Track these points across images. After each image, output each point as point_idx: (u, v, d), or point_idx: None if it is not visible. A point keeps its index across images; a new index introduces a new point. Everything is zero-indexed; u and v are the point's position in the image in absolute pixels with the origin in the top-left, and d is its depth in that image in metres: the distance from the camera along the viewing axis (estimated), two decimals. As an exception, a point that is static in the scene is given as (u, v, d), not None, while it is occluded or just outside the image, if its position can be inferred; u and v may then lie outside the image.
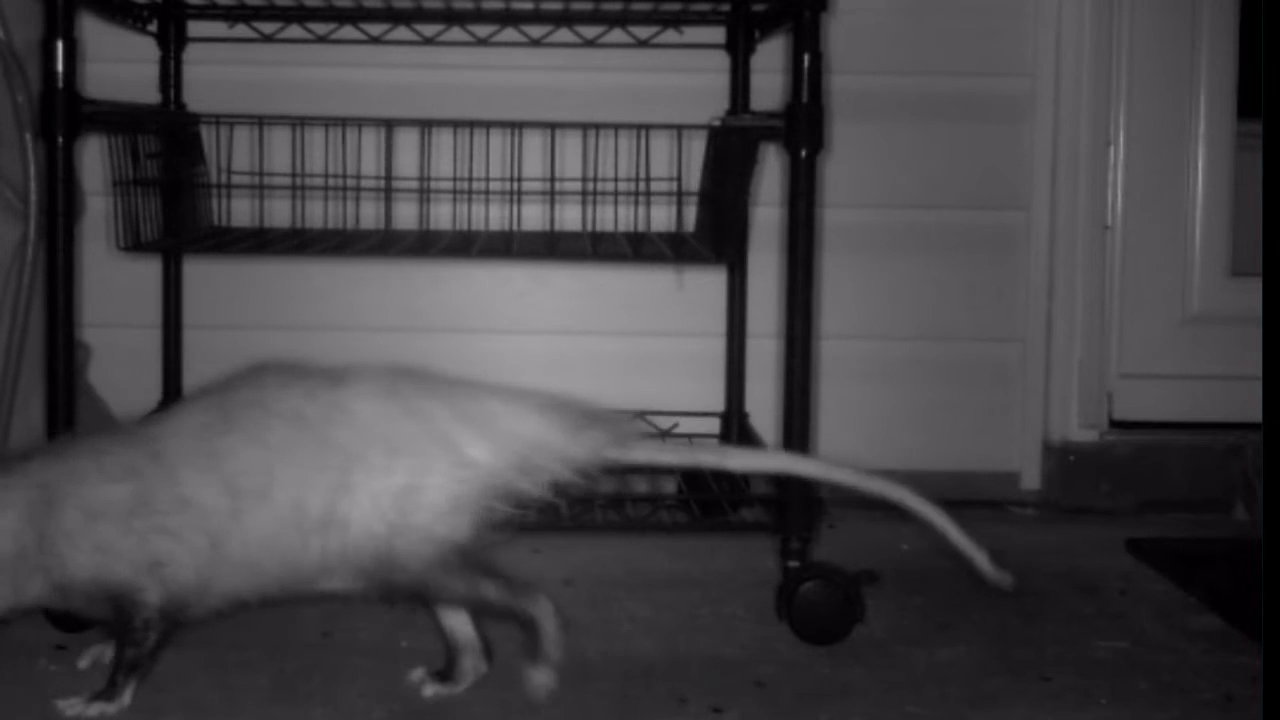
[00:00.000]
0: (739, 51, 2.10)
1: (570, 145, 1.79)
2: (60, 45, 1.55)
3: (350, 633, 1.59)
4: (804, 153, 1.59)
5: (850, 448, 2.26)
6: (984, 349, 2.27)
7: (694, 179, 1.93)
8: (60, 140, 1.56)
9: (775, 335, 2.10)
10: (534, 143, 1.78)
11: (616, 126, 1.77)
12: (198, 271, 2.19)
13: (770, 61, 2.08)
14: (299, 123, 1.75)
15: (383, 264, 2.23)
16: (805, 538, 1.61)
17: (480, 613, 1.37)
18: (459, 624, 1.43)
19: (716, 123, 1.88)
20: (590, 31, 2.08)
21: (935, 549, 2.00)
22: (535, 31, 2.10)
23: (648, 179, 1.76)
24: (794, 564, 1.61)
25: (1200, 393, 2.26)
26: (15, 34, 1.73)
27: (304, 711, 1.37)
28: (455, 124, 1.77)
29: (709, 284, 2.20)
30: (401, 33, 2.08)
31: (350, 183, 1.78)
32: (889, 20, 2.22)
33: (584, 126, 1.77)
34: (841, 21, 2.18)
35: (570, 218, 1.84)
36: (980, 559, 1.42)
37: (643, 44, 2.09)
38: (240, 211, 1.90)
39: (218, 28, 2.08)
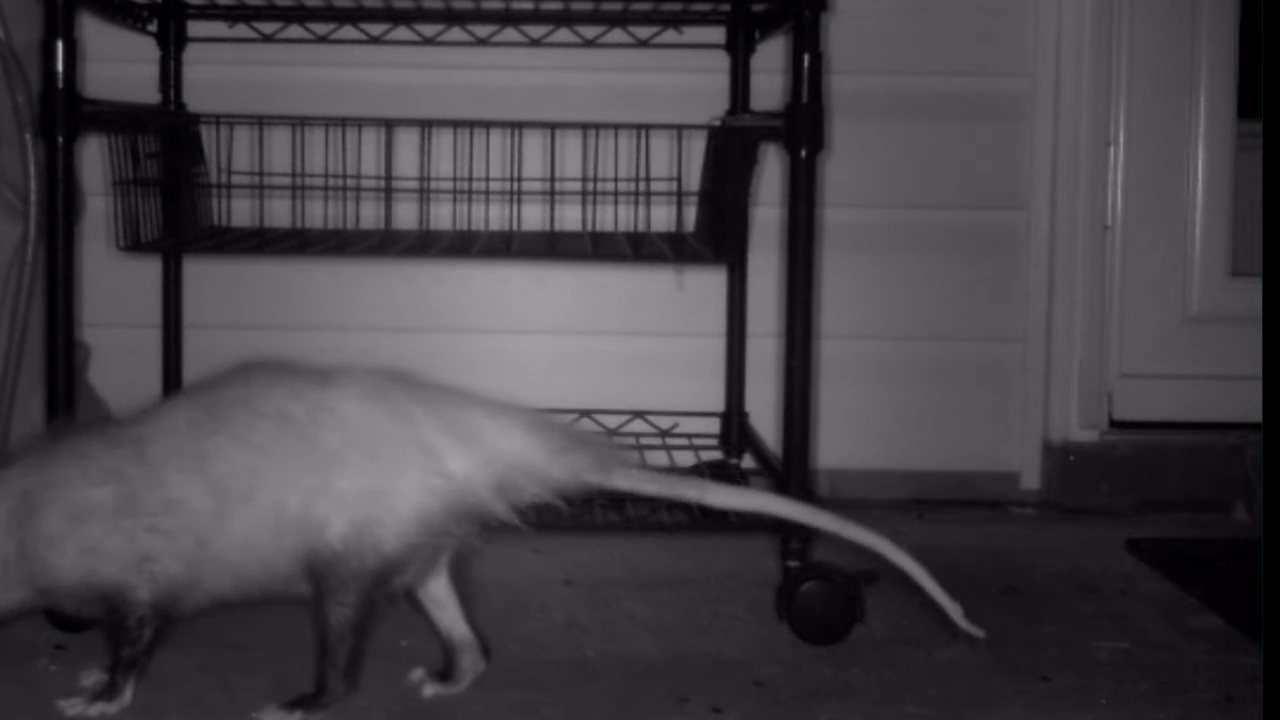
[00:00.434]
0: (739, 51, 2.10)
1: (570, 145, 1.79)
2: (60, 45, 1.55)
3: (350, 633, 1.59)
4: (804, 153, 1.59)
5: (850, 448, 2.26)
6: (984, 349, 2.27)
7: (694, 179, 1.93)
8: (60, 140, 1.56)
9: (775, 335, 2.10)
10: (534, 143, 1.78)
11: (616, 126, 1.77)
12: (198, 271, 2.19)
13: (770, 61, 2.08)
14: (299, 123, 1.75)
15: (383, 264, 2.23)
16: (805, 538, 1.61)
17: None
18: (454, 623, 1.42)
19: (716, 123, 1.88)
20: (590, 31, 2.08)
21: (935, 549, 2.01)
22: (535, 31, 2.10)
23: (648, 179, 1.76)
24: (794, 564, 1.61)
25: (1200, 393, 2.26)
26: (15, 34, 1.73)
27: (304, 711, 1.37)
28: (455, 124, 1.77)
29: (709, 284, 2.20)
30: (401, 33, 2.08)
31: (350, 183, 1.78)
32: (889, 20, 2.22)
33: (584, 126, 1.77)
34: (841, 21, 2.18)
35: (570, 218, 1.84)
36: (954, 611, 1.38)
37: (643, 44, 2.09)
38: (240, 211, 1.90)
39: (218, 28, 2.08)
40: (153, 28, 2.05)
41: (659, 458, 2.04)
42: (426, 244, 1.79)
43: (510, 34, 2.09)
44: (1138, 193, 2.25)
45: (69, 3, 1.55)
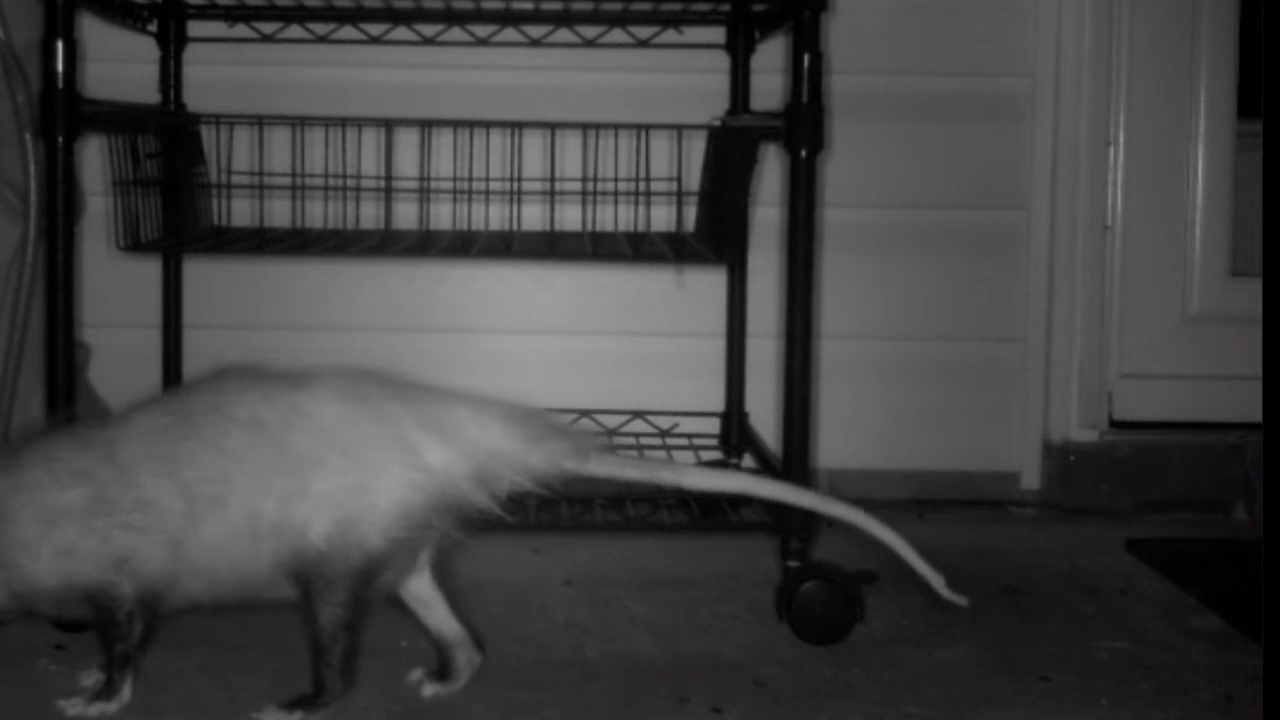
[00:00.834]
0: (739, 51, 2.10)
1: (570, 145, 1.79)
2: (60, 45, 1.55)
3: (350, 633, 1.59)
4: (804, 153, 1.59)
5: (850, 448, 2.26)
6: (984, 349, 2.27)
7: (694, 179, 1.93)
8: (60, 140, 1.56)
9: (775, 335, 2.10)
10: (534, 143, 1.78)
11: (616, 126, 1.77)
12: (198, 271, 2.19)
13: (770, 61, 2.08)
14: (299, 123, 1.75)
15: (383, 264, 2.23)
16: (805, 538, 1.61)
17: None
18: (443, 620, 1.42)
19: (716, 123, 1.88)
20: (590, 31, 2.08)
21: (935, 549, 2.01)
22: (535, 31, 2.10)
23: (648, 179, 1.76)
24: (794, 564, 1.61)
25: (1200, 393, 2.26)
26: (15, 34, 1.73)
27: (304, 711, 1.37)
28: (455, 124, 1.77)
29: (709, 284, 2.20)
30: (401, 33, 2.08)
31: (350, 183, 1.78)
32: (889, 20, 2.22)
33: (584, 126, 1.77)
34: (841, 21, 2.18)
35: (570, 218, 1.84)
36: (935, 580, 1.40)
37: (643, 44, 2.09)
38: (240, 211, 1.90)
39: (218, 28, 2.08)
40: (153, 28, 2.05)
41: (659, 458, 2.04)
42: (426, 244, 1.79)
43: (510, 34, 2.09)
44: (1138, 193, 2.25)
45: (69, 3, 1.55)
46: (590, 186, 1.78)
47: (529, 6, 2.02)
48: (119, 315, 2.19)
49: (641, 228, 1.80)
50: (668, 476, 1.40)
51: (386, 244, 1.77)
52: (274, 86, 2.16)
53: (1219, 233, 2.26)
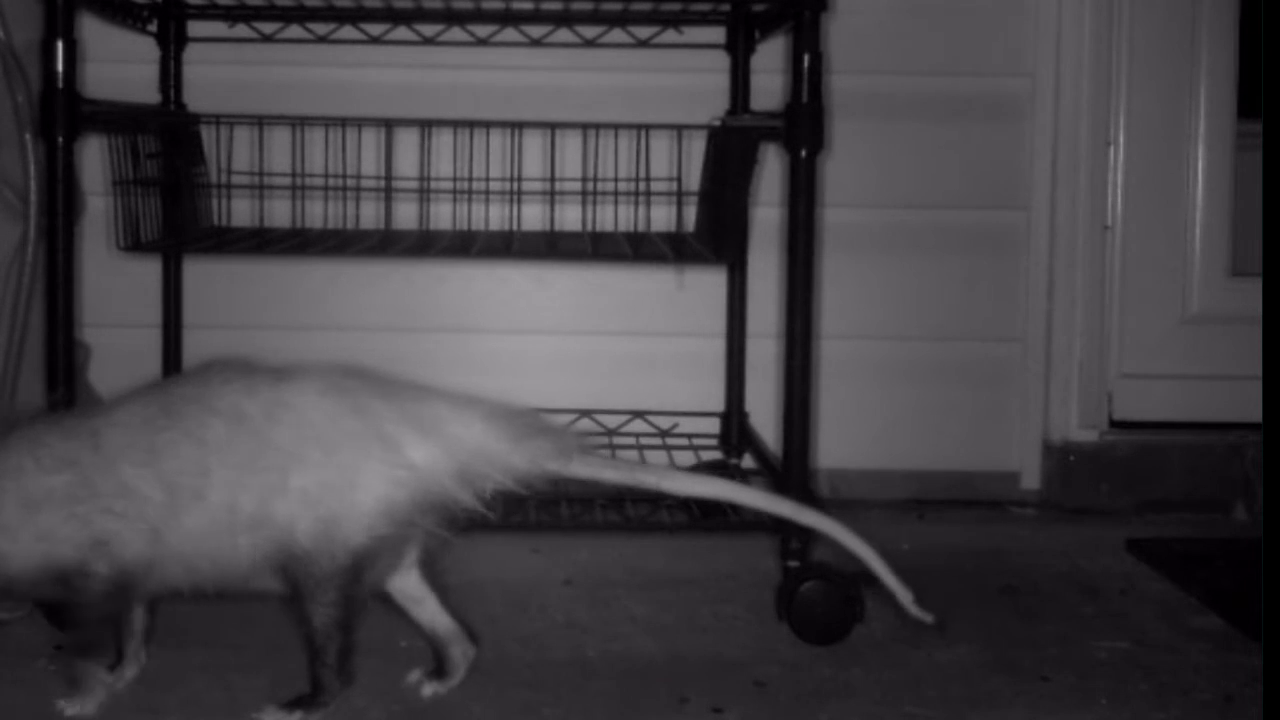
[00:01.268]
0: (739, 51, 2.10)
1: (570, 145, 1.79)
2: (60, 45, 1.55)
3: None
4: (804, 153, 1.59)
5: (850, 448, 2.26)
6: (984, 349, 2.27)
7: (694, 179, 1.93)
8: (60, 140, 1.56)
9: (775, 335, 2.10)
10: (534, 143, 1.78)
11: (616, 126, 1.77)
12: (198, 271, 2.19)
13: (770, 61, 2.08)
14: (299, 123, 1.75)
15: (383, 264, 2.23)
16: (805, 538, 1.61)
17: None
18: (435, 616, 1.42)
19: (716, 123, 1.88)
20: (590, 31, 2.08)
21: (935, 549, 2.01)
22: (535, 31, 2.10)
23: (648, 179, 1.76)
24: (794, 564, 1.61)
25: (1200, 393, 2.26)
26: (15, 34, 1.73)
27: (304, 711, 1.37)
28: (455, 124, 1.77)
29: (709, 284, 2.20)
30: (401, 33, 2.08)
31: (350, 183, 1.78)
32: (889, 20, 2.22)
33: (584, 126, 1.77)
34: (841, 21, 2.18)
35: (570, 218, 1.84)
36: (904, 596, 1.38)
37: (643, 44, 2.09)
38: (240, 211, 1.90)
39: (218, 28, 2.08)
40: (153, 28, 2.05)
41: (659, 458, 2.04)
42: (426, 244, 1.79)
43: (510, 34, 2.09)
44: (1138, 193, 2.25)
45: (69, 3, 1.55)
46: (590, 186, 1.78)
47: (529, 6, 2.02)
48: (119, 315, 2.19)
49: (641, 228, 1.80)
50: (649, 480, 1.40)
51: (387, 244, 1.77)
52: (274, 86, 2.16)
53: (1219, 233, 2.26)
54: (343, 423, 1.30)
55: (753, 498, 1.43)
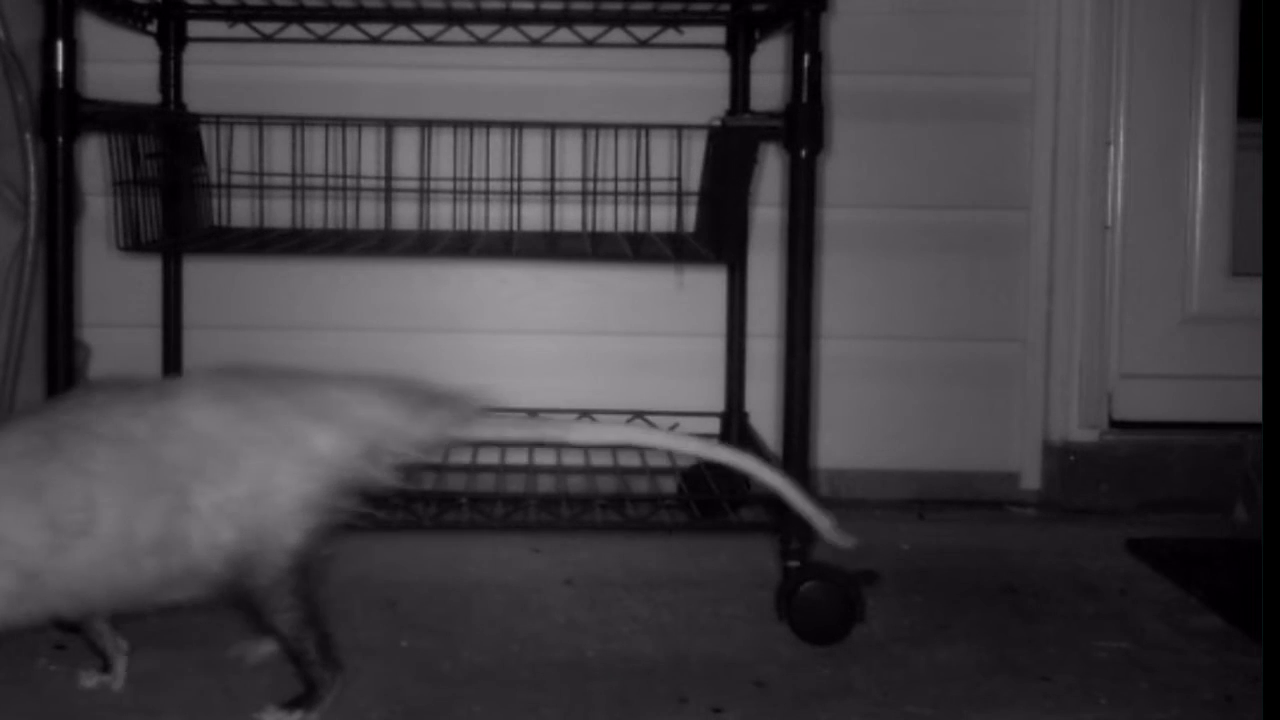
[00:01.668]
0: (739, 51, 2.10)
1: (570, 145, 1.79)
2: (60, 45, 1.55)
3: (350, 633, 1.59)
4: (804, 153, 1.59)
5: (850, 448, 2.26)
6: (984, 349, 2.27)
7: (694, 179, 1.93)
8: (60, 140, 1.56)
9: (775, 335, 2.10)
10: (534, 143, 1.78)
11: (616, 126, 1.77)
12: (198, 271, 2.19)
13: (770, 61, 2.08)
14: (299, 123, 1.75)
15: (383, 264, 2.23)
16: (805, 538, 1.61)
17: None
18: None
19: (716, 123, 1.88)
20: (590, 31, 2.08)
21: (935, 549, 2.01)
22: (535, 31, 2.10)
23: (648, 179, 1.76)
24: (794, 564, 1.61)
25: (1200, 393, 2.26)
26: (15, 34, 1.73)
27: (304, 711, 1.37)
28: (455, 124, 1.77)
29: (709, 284, 2.20)
30: (401, 33, 2.08)
31: (350, 183, 1.79)
32: (889, 20, 2.22)
33: (584, 126, 1.77)
34: (841, 21, 2.18)
35: (570, 218, 1.84)
36: (822, 523, 1.42)
37: (643, 44, 2.09)
38: (240, 211, 1.90)
39: (218, 28, 2.08)
40: (153, 28, 2.05)
41: (659, 458, 2.04)
42: (426, 244, 1.79)
43: (510, 34, 2.09)
44: (1138, 193, 2.25)
45: (69, 3, 1.55)
46: (590, 186, 1.78)
47: (529, 6, 2.02)
48: (119, 315, 2.19)
49: (641, 228, 1.80)
50: (553, 434, 1.40)
51: (386, 244, 1.77)
52: (274, 86, 2.16)
53: (1219, 233, 2.26)
54: (242, 429, 1.29)
55: (656, 439, 1.47)
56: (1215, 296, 2.26)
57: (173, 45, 2.08)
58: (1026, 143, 2.24)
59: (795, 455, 1.62)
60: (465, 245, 1.80)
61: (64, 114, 1.56)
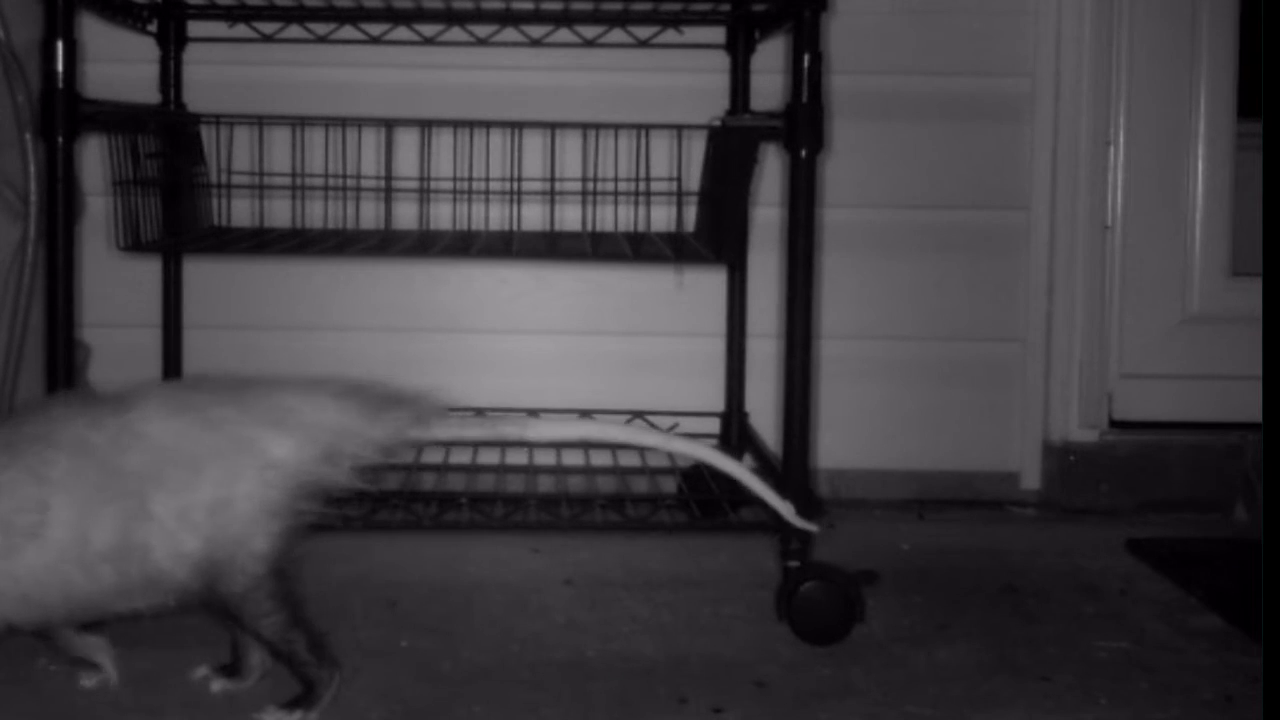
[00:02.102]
0: (739, 51, 2.10)
1: (570, 145, 1.79)
2: (60, 45, 1.55)
3: (350, 632, 1.59)
4: (804, 153, 1.59)
5: (850, 448, 2.26)
6: (984, 349, 2.27)
7: (694, 179, 1.93)
8: (60, 140, 1.56)
9: (775, 335, 2.10)
10: (534, 143, 1.78)
11: (616, 126, 1.77)
12: (198, 271, 2.19)
13: (770, 61, 2.08)
14: (299, 123, 1.75)
15: (383, 264, 2.23)
16: (805, 538, 1.61)
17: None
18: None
19: (716, 123, 1.88)
20: (590, 31, 2.08)
21: (935, 549, 2.01)
22: (535, 31, 2.10)
23: (648, 179, 1.76)
24: (794, 564, 1.61)
25: (1200, 393, 2.26)
26: (15, 34, 1.73)
27: (304, 711, 1.37)
28: (455, 124, 1.77)
29: (709, 284, 2.20)
30: (401, 33, 2.08)
31: (350, 183, 1.78)
32: (889, 20, 2.22)
33: (584, 126, 1.77)
34: (841, 21, 2.18)
35: (570, 218, 1.84)
36: (783, 508, 1.45)
37: (643, 44, 2.09)
38: (240, 211, 1.90)
39: (218, 28, 2.08)
40: (153, 28, 2.05)
41: (659, 458, 2.04)
42: (426, 244, 1.79)
43: (510, 34, 2.09)
44: (1138, 193, 2.25)
45: (69, 3, 1.55)
46: (590, 186, 1.78)
47: (529, 6, 2.02)
48: (119, 315, 2.19)
49: (641, 228, 1.80)
50: (511, 431, 1.40)
51: (387, 244, 1.77)
52: (274, 86, 2.16)
53: (1219, 233, 2.26)
54: (198, 439, 1.29)
55: (617, 434, 1.47)
56: (1215, 296, 2.26)
57: (173, 45, 2.08)
58: (1026, 143, 2.24)
59: (795, 455, 1.62)
60: (465, 245, 1.80)
61: (64, 114, 1.56)
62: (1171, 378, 2.26)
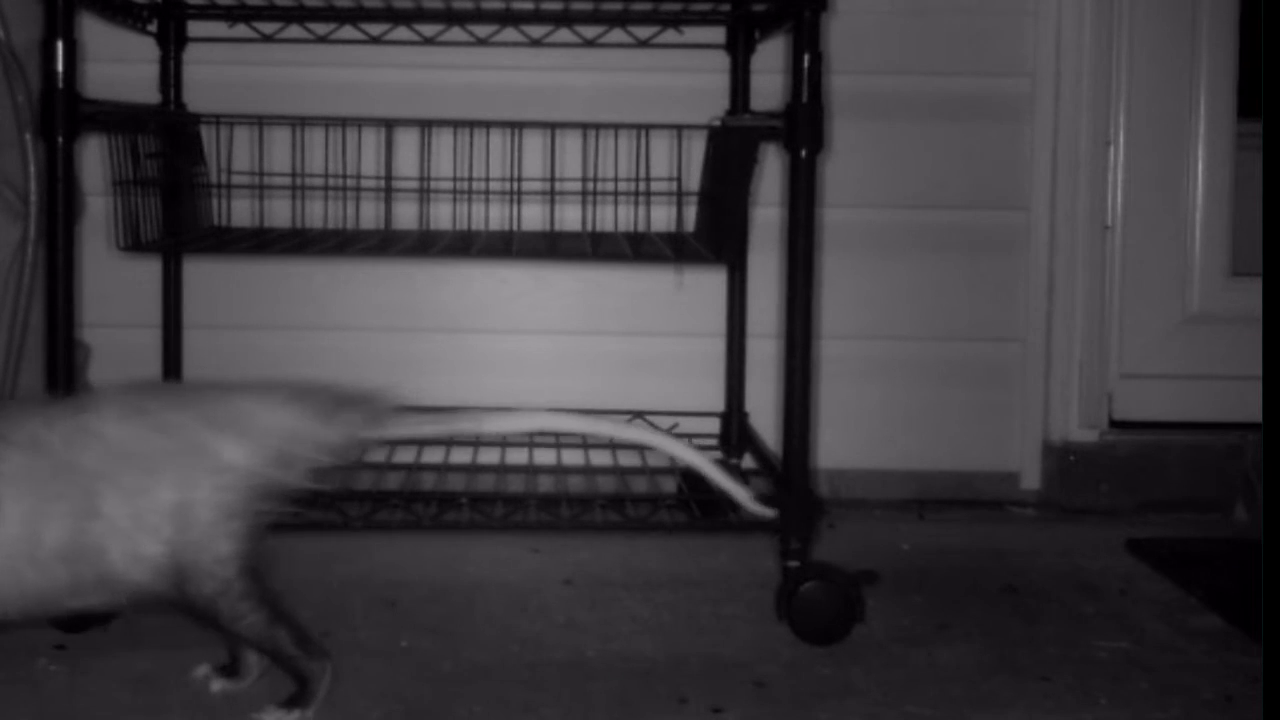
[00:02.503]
0: (739, 51, 2.10)
1: (570, 145, 1.79)
2: (60, 45, 1.55)
3: (350, 632, 1.59)
4: (804, 153, 1.59)
5: (850, 448, 2.26)
6: (984, 349, 2.27)
7: (694, 179, 1.93)
8: (60, 140, 1.56)
9: (775, 335, 2.10)
10: (534, 143, 1.78)
11: (616, 126, 1.77)
12: (198, 271, 2.19)
13: (770, 61, 2.08)
14: (299, 123, 1.75)
15: (383, 264, 2.23)
16: (805, 538, 1.61)
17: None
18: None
19: (716, 123, 1.88)
20: (590, 31, 2.08)
21: (935, 549, 2.01)
22: (535, 31, 2.10)
23: (648, 179, 1.76)
24: (794, 564, 1.61)
25: (1200, 393, 2.26)
26: (15, 34, 1.73)
27: (304, 711, 1.37)
28: (455, 124, 1.77)
29: (709, 284, 2.20)
30: (401, 33, 2.08)
31: (350, 183, 1.78)
32: (889, 20, 2.22)
33: (584, 126, 1.77)
34: (841, 21, 2.18)
35: (570, 218, 1.84)
36: (742, 495, 1.45)
37: (643, 44, 2.09)
38: (240, 211, 1.90)
39: (218, 28, 2.08)
40: (153, 28, 2.05)
41: (660, 458, 2.03)
42: (426, 244, 1.79)
43: (510, 34, 2.09)
44: (1138, 193, 2.25)
45: (69, 3, 1.55)
46: (590, 186, 1.78)
47: (529, 6, 2.02)
48: (119, 315, 2.19)
49: (641, 228, 1.80)
50: (466, 426, 1.41)
51: (387, 244, 1.77)
52: (274, 86, 2.16)
53: (1219, 233, 2.26)
54: (153, 444, 1.29)
55: (571, 423, 1.46)
56: (1215, 296, 2.26)
57: (173, 45, 2.08)
58: (1026, 143, 2.24)
59: (795, 455, 1.62)
60: (465, 245, 1.80)
61: (64, 114, 1.56)
62: (1171, 378, 2.26)
